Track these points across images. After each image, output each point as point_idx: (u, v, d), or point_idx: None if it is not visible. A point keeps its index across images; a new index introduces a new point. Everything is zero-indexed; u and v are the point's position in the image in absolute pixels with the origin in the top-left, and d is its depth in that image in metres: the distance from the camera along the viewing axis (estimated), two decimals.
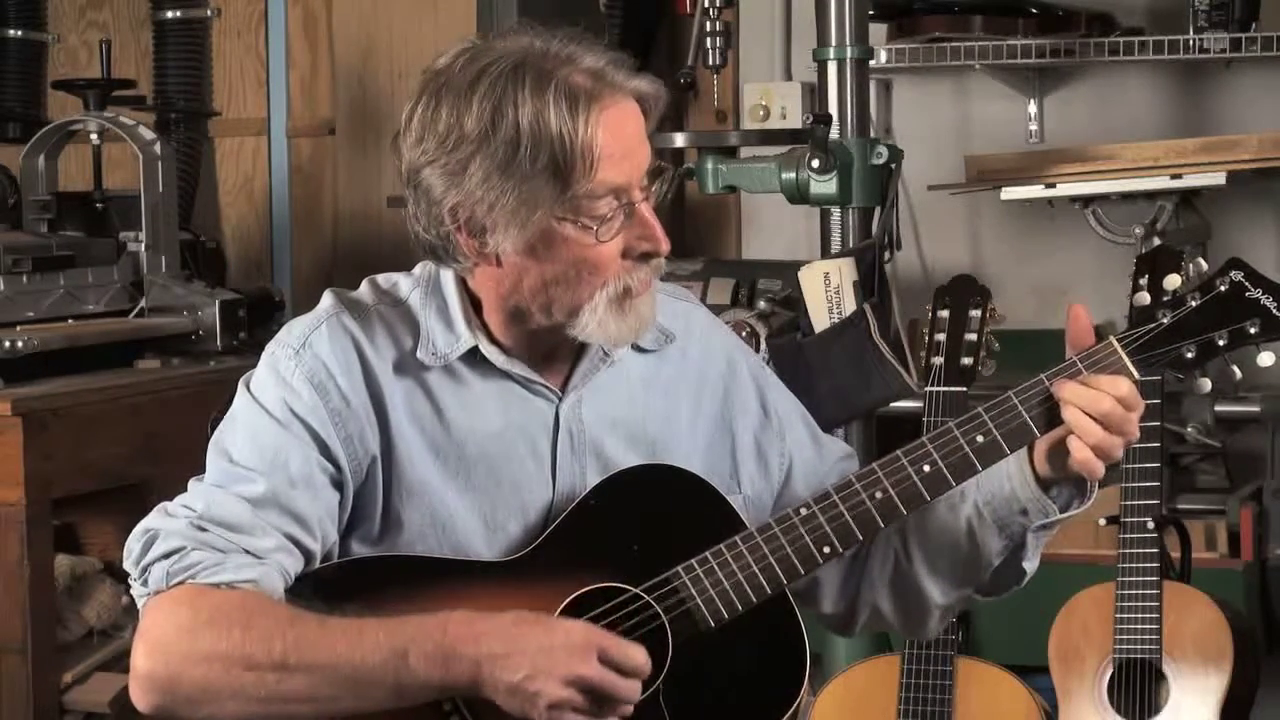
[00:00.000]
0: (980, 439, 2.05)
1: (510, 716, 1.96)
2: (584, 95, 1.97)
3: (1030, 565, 2.16)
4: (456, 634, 1.94)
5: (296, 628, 1.95)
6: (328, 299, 2.13)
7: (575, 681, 1.94)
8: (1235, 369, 2.11)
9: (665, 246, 2.04)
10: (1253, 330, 2.05)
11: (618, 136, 1.99)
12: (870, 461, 2.10)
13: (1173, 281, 2.06)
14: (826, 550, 2.06)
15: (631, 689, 1.96)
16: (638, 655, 1.97)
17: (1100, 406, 2.00)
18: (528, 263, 2.02)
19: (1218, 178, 3.72)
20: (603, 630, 1.98)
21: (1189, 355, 2.06)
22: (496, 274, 2.05)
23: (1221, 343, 2.05)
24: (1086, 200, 3.89)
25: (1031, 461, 2.08)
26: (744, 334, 3.51)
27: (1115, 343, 2.05)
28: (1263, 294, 2.05)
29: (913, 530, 2.17)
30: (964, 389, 3.11)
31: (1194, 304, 2.05)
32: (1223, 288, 2.05)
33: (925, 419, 3.14)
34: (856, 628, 2.27)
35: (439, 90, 2.00)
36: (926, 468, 2.06)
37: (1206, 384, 2.15)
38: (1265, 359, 2.07)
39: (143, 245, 4.20)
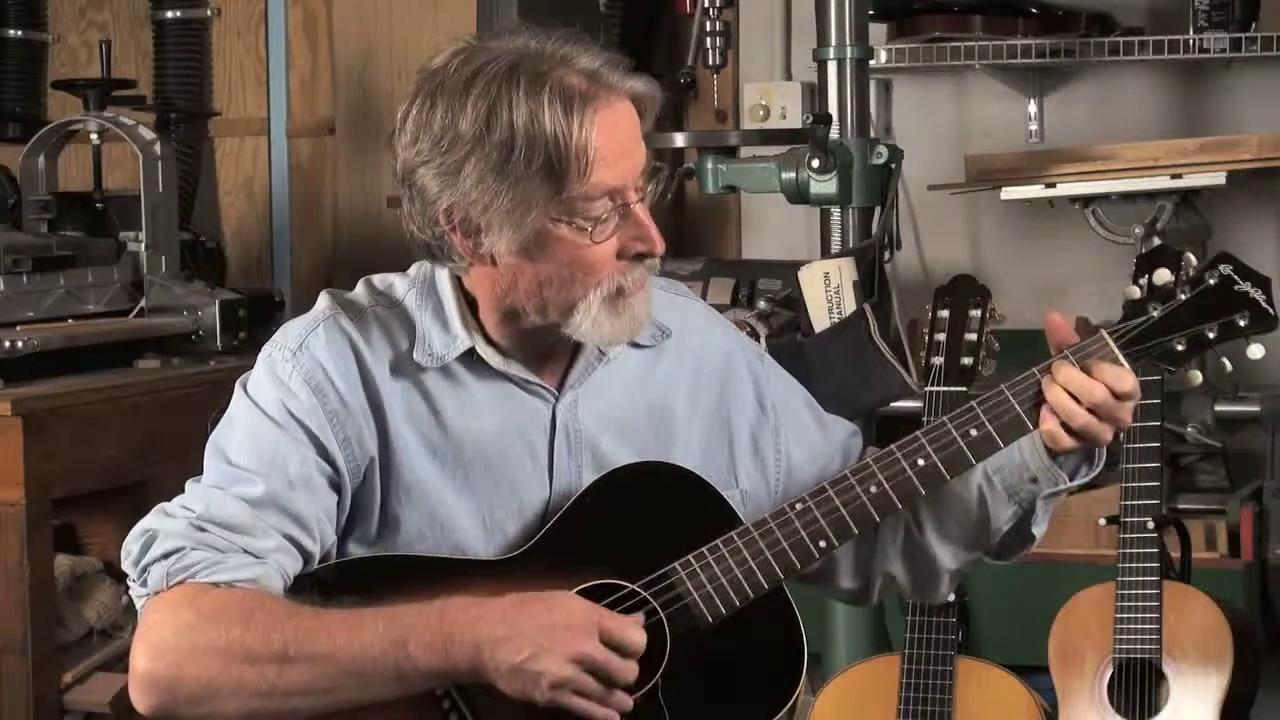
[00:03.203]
0: (974, 433, 2.06)
1: (510, 702, 1.96)
2: (579, 96, 1.97)
3: (1039, 530, 2.19)
4: (454, 620, 1.94)
5: (295, 620, 1.95)
6: (324, 301, 2.13)
7: (579, 659, 1.94)
8: (1225, 361, 2.12)
9: (660, 247, 2.04)
10: (1242, 323, 2.06)
11: (613, 138, 1.99)
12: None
13: (1163, 276, 2.07)
14: (822, 544, 2.07)
15: (628, 669, 1.96)
16: (635, 635, 1.97)
17: (1093, 395, 2.02)
18: (522, 263, 2.02)
19: (1218, 178, 3.71)
20: (603, 608, 1.98)
21: (1179, 348, 2.07)
22: (491, 274, 2.05)
23: (1211, 335, 2.07)
24: (1086, 200, 3.89)
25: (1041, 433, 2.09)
26: (744, 334, 3.50)
27: (1106, 335, 2.06)
28: (1251, 287, 2.06)
29: (923, 500, 2.18)
30: (964, 389, 3.10)
31: (1184, 297, 2.07)
32: (1211, 281, 2.07)
33: (925, 419, 3.13)
34: (873, 597, 2.29)
35: (434, 91, 2.00)
36: (921, 461, 2.07)
37: (1197, 376, 2.16)
38: (1255, 351, 2.08)
39: (143, 245, 4.20)
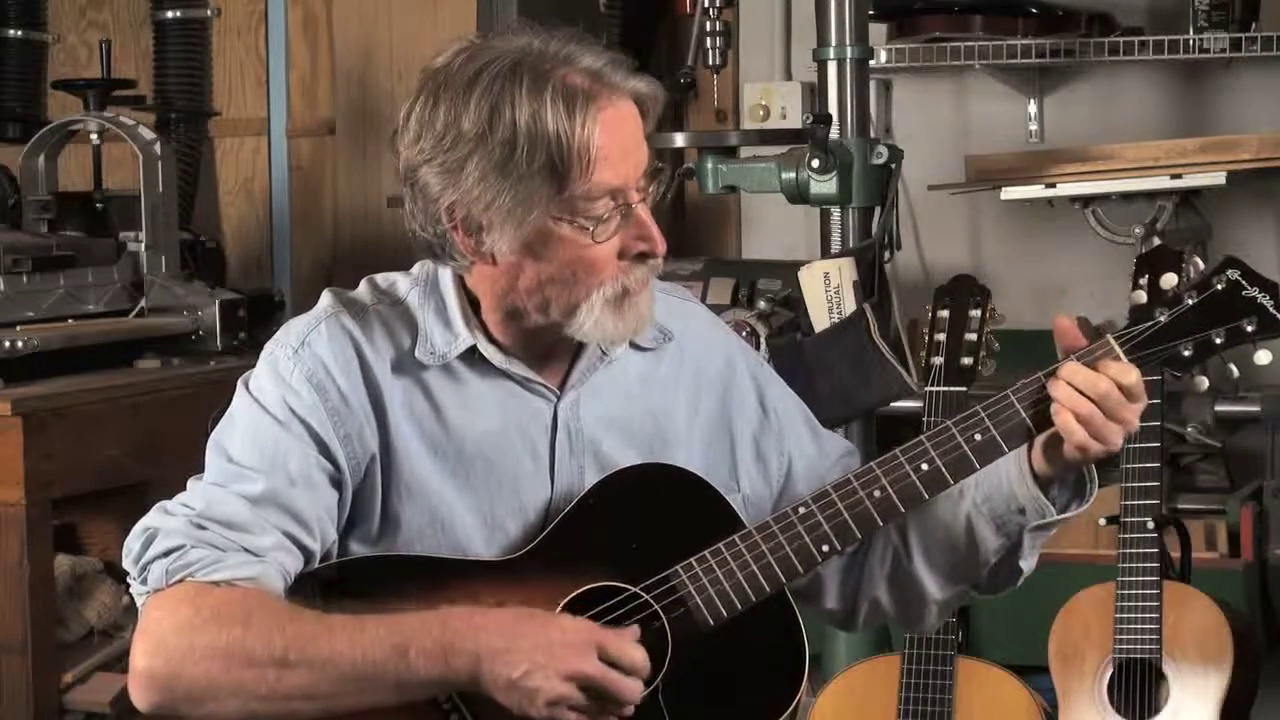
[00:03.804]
0: (978, 437, 2.06)
1: (509, 713, 1.96)
2: (582, 95, 1.97)
3: (1027, 565, 2.17)
4: (456, 629, 1.94)
5: (296, 624, 1.95)
6: (326, 299, 2.13)
7: (574, 677, 1.94)
8: (1233, 367, 2.12)
9: (662, 247, 2.04)
10: (1249, 328, 2.06)
11: (615, 137, 1.99)
12: (870, 461, 2.11)
13: (1169, 280, 2.07)
14: (825, 549, 2.06)
15: (632, 688, 1.96)
16: (637, 653, 1.97)
17: (1098, 387, 2.01)
18: (524, 262, 2.02)
19: (1218, 178, 3.72)
20: (602, 627, 1.98)
21: (1186, 353, 2.06)
22: (493, 273, 2.05)
23: (1219, 341, 2.06)
24: (1086, 200, 3.89)
25: (1030, 461, 2.09)
26: (744, 334, 3.51)
27: (1112, 340, 2.06)
28: (1259, 292, 2.05)
29: (912, 526, 2.18)
30: (964, 389, 3.11)
31: (1191, 302, 2.06)
32: (1219, 286, 2.06)
33: (925, 419, 3.14)
34: (858, 622, 2.28)
35: (437, 89, 2.01)
36: (924, 466, 2.06)
37: (1204, 381, 2.16)
38: (1262, 357, 2.08)
39: (143, 245, 4.20)
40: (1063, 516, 2.11)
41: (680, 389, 2.19)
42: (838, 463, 2.25)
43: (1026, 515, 2.10)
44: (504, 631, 1.94)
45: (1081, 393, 2.01)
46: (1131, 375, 2.03)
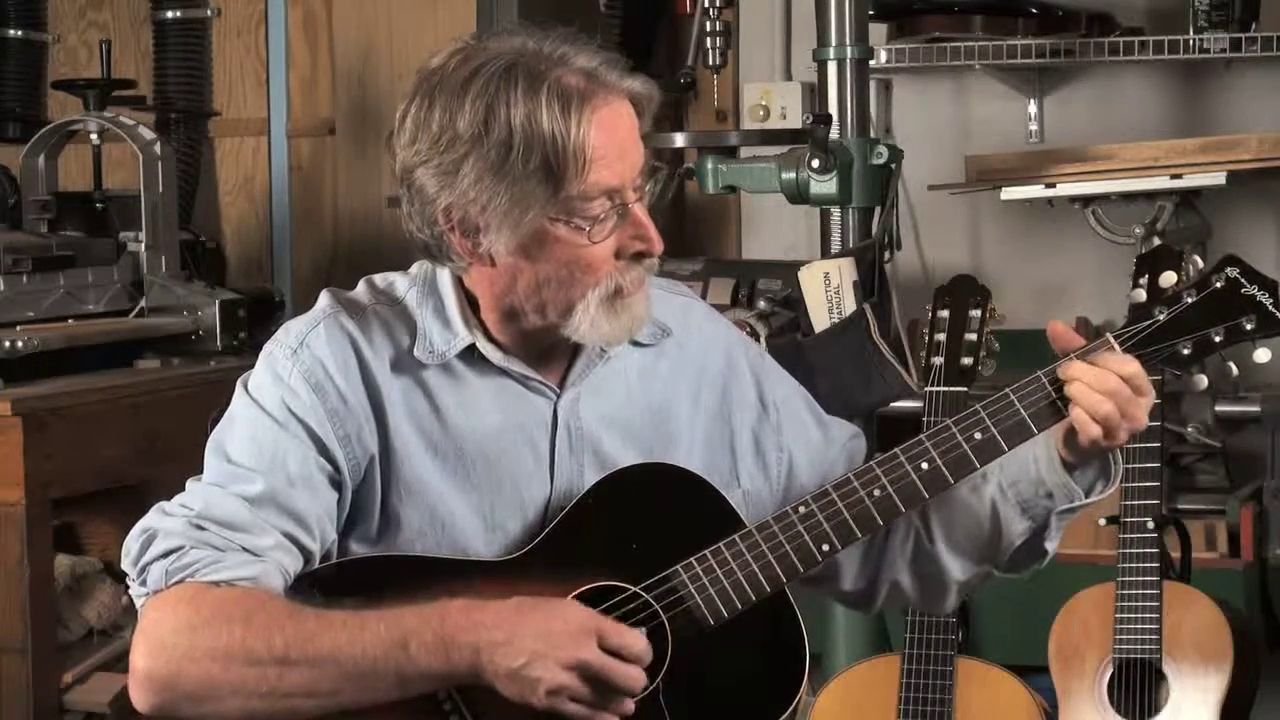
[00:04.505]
0: (978, 436, 2.06)
1: (511, 705, 1.96)
2: (576, 96, 1.98)
3: (1052, 545, 2.19)
4: (455, 622, 1.94)
5: (296, 622, 1.95)
6: (325, 299, 2.13)
7: (576, 666, 1.94)
8: (1232, 365, 2.12)
9: (658, 247, 2.04)
10: (1249, 326, 2.06)
11: (610, 137, 1.99)
12: (869, 460, 2.11)
13: (1169, 279, 2.07)
14: (825, 548, 2.06)
15: (634, 676, 1.96)
16: (637, 641, 1.97)
17: (1107, 384, 2.02)
18: (521, 263, 2.02)
19: (1218, 178, 3.71)
20: (602, 615, 1.99)
21: (1185, 352, 2.07)
22: (490, 274, 2.05)
23: (1218, 339, 2.06)
24: (1086, 200, 3.89)
25: (1058, 447, 2.10)
26: (744, 334, 3.51)
27: (1111, 339, 2.06)
28: (1258, 290, 2.06)
29: (934, 510, 2.18)
30: (964, 389, 3.10)
31: (1190, 301, 2.06)
32: (1218, 284, 2.06)
33: (925, 419, 3.14)
34: (877, 604, 2.28)
35: (432, 90, 2.01)
36: (925, 465, 2.07)
37: (1203, 380, 2.16)
38: (1261, 355, 2.08)
39: (143, 245, 4.20)
40: (1091, 499, 2.12)
41: (681, 384, 2.19)
42: (845, 448, 2.26)
43: (1054, 499, 2.12)
44: (503, 623, 1.94)
45: (1094, 390, 2.02)
46: (1131, 365, 2.03)
